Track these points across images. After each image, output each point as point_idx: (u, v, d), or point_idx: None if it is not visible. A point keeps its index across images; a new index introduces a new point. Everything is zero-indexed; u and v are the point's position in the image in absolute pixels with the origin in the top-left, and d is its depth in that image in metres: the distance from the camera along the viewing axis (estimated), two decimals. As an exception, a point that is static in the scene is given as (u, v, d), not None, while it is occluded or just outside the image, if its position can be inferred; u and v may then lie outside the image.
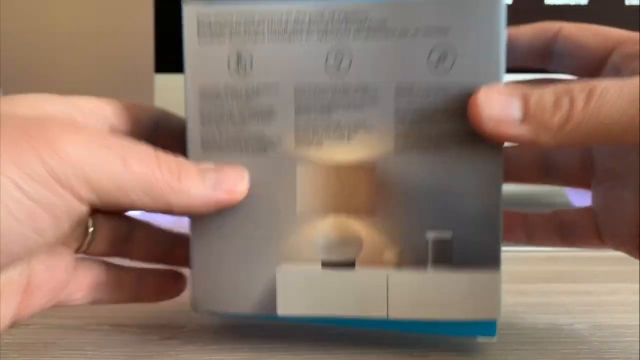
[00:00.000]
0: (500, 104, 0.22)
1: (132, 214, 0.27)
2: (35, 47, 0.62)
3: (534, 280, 0.37)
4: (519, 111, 0.21)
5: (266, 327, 0.30)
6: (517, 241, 0.30)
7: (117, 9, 0.61)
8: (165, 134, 0.26)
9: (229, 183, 0.24)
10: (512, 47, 0.27)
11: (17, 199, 0.18)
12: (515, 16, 0.48)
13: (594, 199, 0.29)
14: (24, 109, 0.21)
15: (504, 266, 0.37)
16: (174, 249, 0.28)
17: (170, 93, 0.46)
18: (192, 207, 0.22)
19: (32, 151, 0.18)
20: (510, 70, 0.25)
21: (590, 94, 0.21)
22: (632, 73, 0.24)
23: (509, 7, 0.49)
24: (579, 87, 0.21)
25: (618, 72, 0.25)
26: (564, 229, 0.29)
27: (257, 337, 0.28)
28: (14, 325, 0.24)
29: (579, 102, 0.21)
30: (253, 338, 0.28)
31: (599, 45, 0.26)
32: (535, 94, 0.22)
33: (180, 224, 0.27)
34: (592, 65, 0.26)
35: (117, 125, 0.25)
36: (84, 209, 0.20)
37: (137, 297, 0.28)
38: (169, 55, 0.46)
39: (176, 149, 0.24)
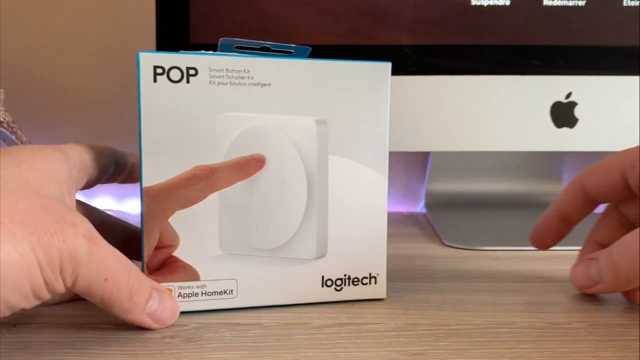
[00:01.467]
0: (582, 276, 0.33)
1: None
2: (35, 48, 0.62)
3: (532, 280, 0.37)
4: (595, 276, 0.32)
5: (266, 325, 0.30)
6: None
7: (118, 10, 0.61)
8: (120, 168, 0.33)
9: (162, 316, 0.29)
10: (569, 220, 0.35)
11: (39, 285, 0.24)
12: (515, 17, 0.49)
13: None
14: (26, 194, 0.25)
15: (505, 265, 0.37)
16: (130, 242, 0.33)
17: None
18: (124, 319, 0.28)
19: (58, 253, 0.24)
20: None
21: (620, 253, 0.30)
22: None
23: (509, 7, 0.50)
24: (616, 250, 0.31)
25: None
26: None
27: (257, 336, 0.29)
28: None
29: (617, 260, 0.31)
30: (253, 337, 0.29)
31: (614, 180, 0.33)
32: (600, 259, 0.32)
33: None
34: (619, 191, 0.33)
35: (91, 173, 0.30)
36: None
37: None
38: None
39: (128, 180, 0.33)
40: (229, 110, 0.30)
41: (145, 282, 0.28)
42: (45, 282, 0.24)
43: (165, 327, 0.29)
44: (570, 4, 0.48)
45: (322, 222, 0.32)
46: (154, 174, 0.30)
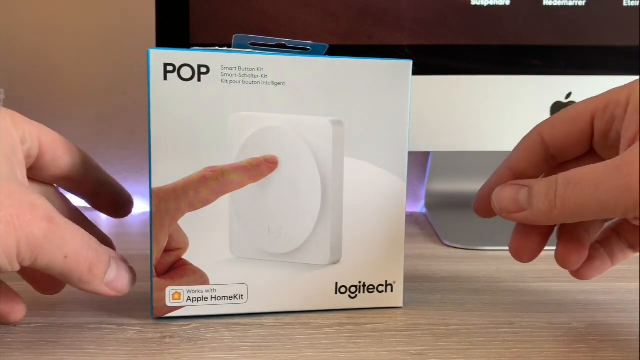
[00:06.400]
0: (509, 199, 0.28)
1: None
2: (36, 48, 0.62)
3: (532, 279, 0.37)
4: (522, 202, 0.27)
5: (266, 325, 0.30)
6: (605, 269, 0.31)
7: (118, 10, 0.61)
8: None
9: (119, 285, 0.28)
10: (524, 174, 0.29)
11: None
12: (515, 17, 0.49)
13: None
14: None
15: (505, 265, 0.37)
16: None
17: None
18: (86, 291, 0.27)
19: (15, 241, 0.23)
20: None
21: (568, 183, 0.25)
22: (615, 135, 0.27)
23: (509, 8, 0.50)
24: (562, 179, 0.26)
25: (606, 137, 0.28)
26: (626, 238, 0.30)
27: (257, 336, 0.29)
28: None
29: (560, 191, 0.25)
30: (253, 337, 0.29)
31: (581, 129, 0.28)
32: (533, 187, 0.27)
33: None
34: (583, 143, 0.29)
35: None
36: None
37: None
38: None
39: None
40: (241, 109, 0.30)
41: (104, 253, 0.27)
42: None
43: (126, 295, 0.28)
44: (570, 4, 0.48)
45: (336, 226, 0.31)
46: (163, 174, 0.29)
